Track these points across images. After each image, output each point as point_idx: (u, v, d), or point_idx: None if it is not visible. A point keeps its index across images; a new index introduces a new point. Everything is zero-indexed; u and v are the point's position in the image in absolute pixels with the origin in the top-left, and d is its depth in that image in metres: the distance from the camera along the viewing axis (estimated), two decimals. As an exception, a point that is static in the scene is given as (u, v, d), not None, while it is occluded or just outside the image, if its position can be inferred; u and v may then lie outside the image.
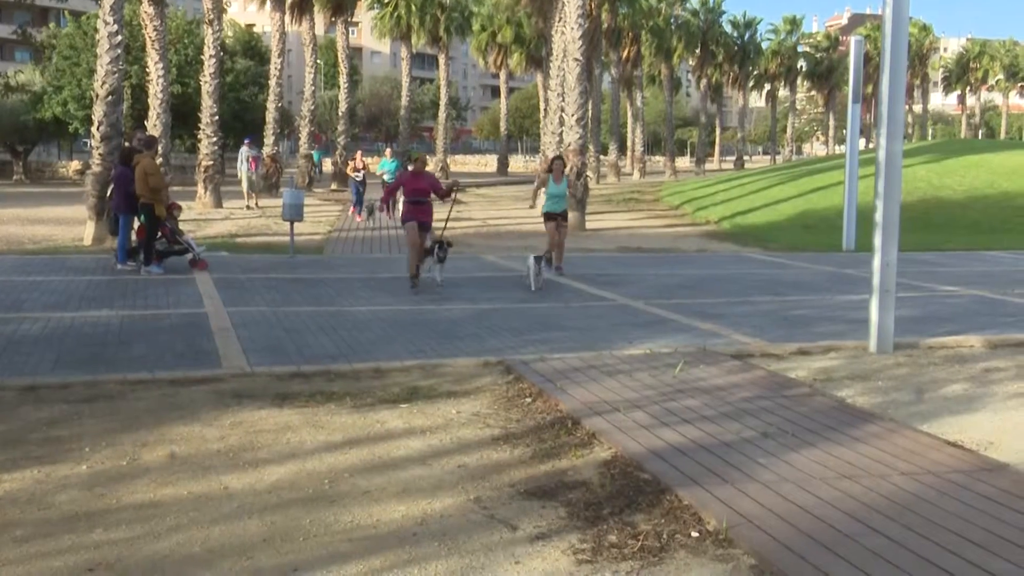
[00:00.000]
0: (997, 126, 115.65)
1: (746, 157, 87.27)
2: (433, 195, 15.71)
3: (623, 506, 5.92)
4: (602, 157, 64.18)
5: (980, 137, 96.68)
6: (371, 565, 5.07)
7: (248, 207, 32.54)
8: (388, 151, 35.42)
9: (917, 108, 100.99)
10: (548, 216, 17.38)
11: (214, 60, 32.54)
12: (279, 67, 40.97)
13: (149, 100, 29.11)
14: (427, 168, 16.39)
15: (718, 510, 5.77)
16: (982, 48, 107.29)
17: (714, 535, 5.47)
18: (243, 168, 33.85)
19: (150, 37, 28.94)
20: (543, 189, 17.79)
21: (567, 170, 27.68)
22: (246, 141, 35.15)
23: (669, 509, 5.87)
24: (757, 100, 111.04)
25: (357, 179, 30.08)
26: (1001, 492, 6.17)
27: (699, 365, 9.76)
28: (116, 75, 21.67)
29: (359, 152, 32.94)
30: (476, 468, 6.68)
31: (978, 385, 9.22)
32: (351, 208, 30.20)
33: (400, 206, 16.81)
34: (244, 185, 33.85)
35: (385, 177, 29.55)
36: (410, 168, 16.17)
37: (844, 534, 5.43)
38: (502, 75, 71.70)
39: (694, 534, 5.49)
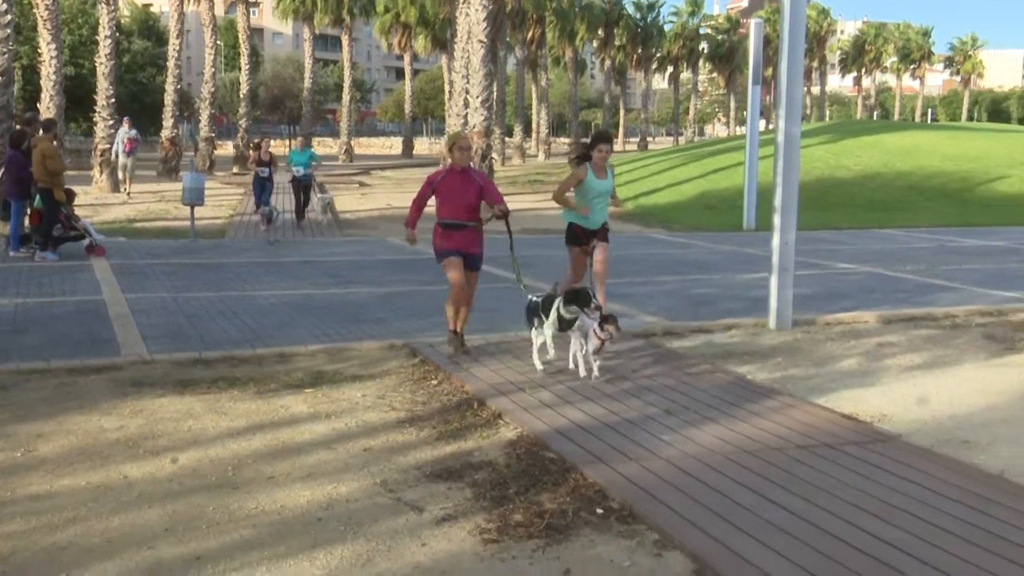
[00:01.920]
0: (891, 107, 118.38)
1: (650, 138, 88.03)
2: (487, 211, 9.68)
3: (529, 485, 5.96)
4: (507, 139, 64.24)
5: (875, 118, 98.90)
6: (276, 551, 5.03)
7: (128, 194, 29.40)
8: (300, 140, 27.14)
9: (815, 90, 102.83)
10: (581, 234, 10.64)
11: (109, 40, 31.71)
12: (178, 48, 40.09)
13: (42, 82, 28.27)
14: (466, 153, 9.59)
15: (622, 487, 5.85)
16: (877, 31, 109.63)
17: (618, 512, 5.54)
18: (118, 149, 30.36)
19: (42, 16, 28.02)
20: (572, 189, 10.73)
21: (473, 151, 27.74)
22: (124, 120, 31.55)
23: (574, 487, 5.92)
24: (660, 82, 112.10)
25: (262, 175, 22.31)
26: (894, 462, 6.35)
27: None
28: (6, 55, 21.09)
29: (265, 139, 24.08)
30: (382, 451, 6.66)
31: (872, 359, 9.47)
32: (259, 216, 21.75)
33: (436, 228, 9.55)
34: (119, 170, 30.55)
35: (296, 173, 22.40)
36: (449, 160, 9.57)
37: (744, 507, 5.54)
38: (407, 57, 71.18)
39: (599, 511, 5.55)
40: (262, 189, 22.23)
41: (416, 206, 9.50)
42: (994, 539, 5.13)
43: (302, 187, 22.65)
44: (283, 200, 25.47)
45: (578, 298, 8.43)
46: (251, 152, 26.39)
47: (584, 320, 8.49)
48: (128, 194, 29.29)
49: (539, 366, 8.73)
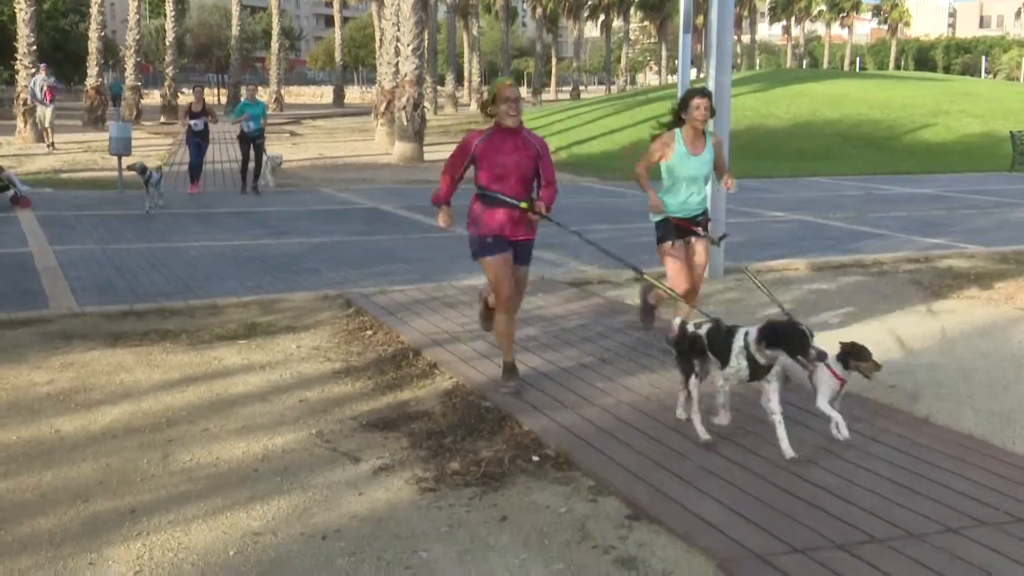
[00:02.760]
0: (820, 56, 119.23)
1: (582, 87, 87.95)
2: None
3: (465, 434, 5.99)
4: (439, 88, 63.74)
5: (804, 67, 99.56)
6: (212, 504, 5.01)
7: (50, 145, 27.96)
8: (250, 89, 20.66)
9: (745, 39, 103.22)
10: (675, 229, 8.05)
11: (29, -15, 30.84)
12: (101, -6, 39.08)
13: (-41, 29, 27.47)
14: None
15: (557, 434, 5.90)
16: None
17: (554, 459, 5.59)
18: (38, 98, 28.74)
19: (-43, -40, 27.22)
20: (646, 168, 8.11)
21: (403, 101, 27.44)
22: (40, 66, 30.05)
23: (510, 436, 5.97)
24: (592, 30, 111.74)
25: (196, 128, 19.36)
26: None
27: (538, 294, 9.88)
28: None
29: (200, 88, 20.83)
30: (317, 402, 6.65)
31: (802, 307, 9.61)
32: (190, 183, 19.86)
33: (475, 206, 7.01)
34: (41, 118, 28.81)
35: (247, 128, 19.02)
36: (494, 116, 7.00)
37: (677, 452, 5.62)
38: (336, 4, 70.13)
39: (535, 459, 5.60)
40: (198, 147, 19.53)
41: (448, 177, 6.93)
42: (922, 480, 5.26)
43: (253, 145, 19.30)
44: (219, 153, 25.03)
45: (791, 339, 5.55)
46: (181, 103, 21.41)
47: (791, 365, 5.83)
48: (51, 145, 28.05)
49: (703, 435, 5.79)
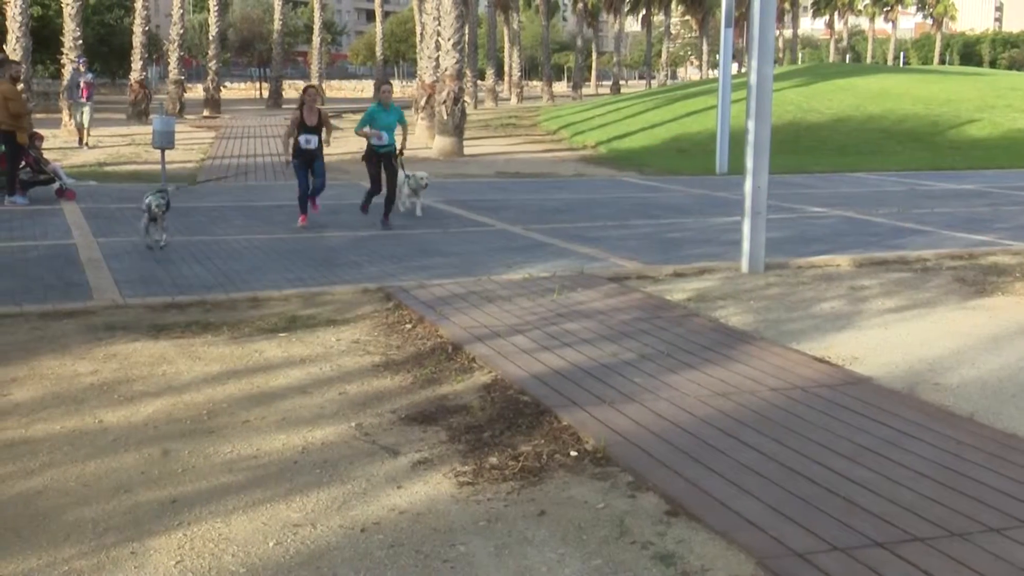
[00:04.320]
0: (863, 51, 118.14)
1: (622, 82, 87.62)
2: None
3: (503, 429, 6.00)
4: (479, 82, 63.70)
5: (847, 61, 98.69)
6: (252, 496, 5.05)
7: (87, 144, 26.47)
8: (386, 90, 14.93)
9: (787, 33, 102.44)
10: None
11: (75, -20, 31.19)
12: (145, -12, 39.43)
13: (7, 23, 27.79)
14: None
15: (596, 430, 5.89)
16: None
17: (592, 454, 5.58)
18: (73, 95, 27.56)
19: (5, -45, 27.57)
20: None
21: (444, 96, 27.45)
22: (79, 61, 28.94)
23: (549, 430, 5.96)
24: (633, 24, 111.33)
25: (307, 147, 13.74)
26: (865, 404, 6.42)
27: (577, 289, 9.88)
28: (-31, -3, 20.65)
29: (314, 89, 14.67)
30: (357, 395, 6.68)
31: (845, 303, 9.54)
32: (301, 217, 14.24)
33: None
34: (75, 117, 27.51)
35: (378, 142, 13.98)
36: None
37: (717, 449, 5.60)
38: (377, -2, 70.33)
39: (573, 454, 5.60)
40: (307, 172, 13.93)
41: None
42: (962, 479, 5.21)
43: (385, 166, 14.16)
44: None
45: None
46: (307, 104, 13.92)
47: None
48: (87, 144, 26.57)
49: None
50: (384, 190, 14.27)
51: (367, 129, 14.05)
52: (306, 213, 14.15)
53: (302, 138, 13.68)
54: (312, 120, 13.73)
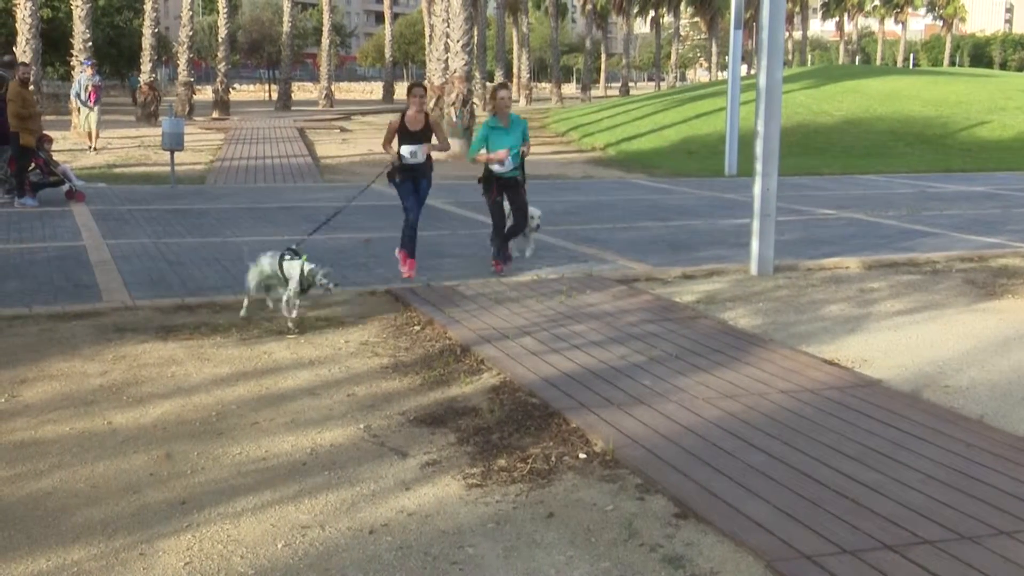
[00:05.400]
0: (873, 52, 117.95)
1: (631, 84, 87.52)
2: None
3: (512, 431, 6.00)
4: (488, 84, 63.78)
5: (857, 63, 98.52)
6: (261, 497, 5.05)
7: (94, 149, 25.66)
8: (504, 97, 11.28)
9: (797, 35, 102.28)
10: None
11: (85, -18, 31.27)
12: (154, -9, 39.47)
13: (17, 25, 27.86)
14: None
15: (605, 432, 5.89)
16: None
17: (601, 456, 5.58)
18: (80, 99, 26.46)
19: (15, -42, 27.58)
20: None
21: (453, 97, 27.45)
22: (86, 64, 27.72)
23: (557, 433, 5.96)
24: (642, 26, 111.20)
25: (411, 160, 10.72)
26: (874, 407, 6.41)
27: (586, 291, 9.87)
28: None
29: (422, 89, 11.05)
30: (365, 397, 6.68)
31: (854, 305, 9.52)
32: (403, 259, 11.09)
33: None
34: (84, 121, 26.46)
35: (500, 168, 11.00)
36: None
37: (725, 451, 5.59)
38: (386, 0, 70.43)
39: (582, 456, 5.60)
40: (415, 191, 10.92)
41: None
42: (972, 482, 5.19)
43: (508, 193, 11.19)
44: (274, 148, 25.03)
45: None
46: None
47: None
48: (94, 149, 25.80)
49: None
50: (510, 222, 11.24)
51: (485, 152, 11.01)
52: (413, 257, 10.83)
53: (405, 150, 10.62)
54: (417, 125, 10.67)
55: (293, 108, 53.10)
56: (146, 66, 39.46)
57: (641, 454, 5.56)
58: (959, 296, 10.00)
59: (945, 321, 8.93)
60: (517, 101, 67.32)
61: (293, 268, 8.51)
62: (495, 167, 10.99)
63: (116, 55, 50.02)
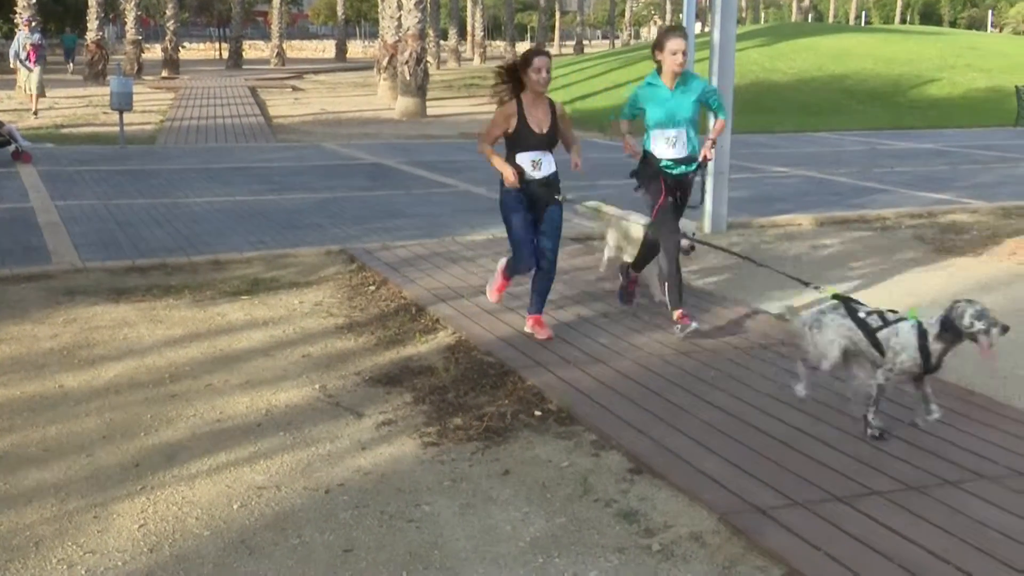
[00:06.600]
0: (826, 10, 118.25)
1: (586, 42, 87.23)
2: None
3: (468, 390, 6.01)
4: (442, 42, 63.29)
5: (810, 21, 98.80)
6: (216, 458, 5.04)
7: (34, 113, 24.00)
8: (668, 57, 7.36)
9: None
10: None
11: (28, -63, 30.51)
12: (100, -53, 38.69)
13: (-42, -18, 27.05)
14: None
15: (560, 390, 5.92)
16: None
17: (556, 414, 5.61)
18: (19, 57, 25.25)
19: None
20: None
21: (406, 56, 27.24)
22: (26, 21, 26.24)
23: (513, 391, 5.98)
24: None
25: (539, 175, 7.04)
26: (826, 362, 6.47)
27: (541, 249, 9.86)
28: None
29: (547, 58, 7.31)
30: (321, 358, 6.67)
31: (806, 262, 9.61)
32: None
33: None
34: (26, 81, 25.31)
35: (673, 171, 7.32)
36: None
37: (680, 407, 5.64)
38: (338, -44, 69.52)
39: (537, 414, 5.62)
40: (534, 220, 7.21)
41: None
42: (920, 434, 5.28)
43: (677, 196, 7.50)
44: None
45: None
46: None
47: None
48: (35, 113, 24.13)
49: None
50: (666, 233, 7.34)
51: (626, 124, 7.71)
52: (510, 277, 7.46)
53: (525, 158, 7.03)
54: (543, 124, 7.10)
55: (244, 67, 52.41)
56: (93, 23, 38.74)
57: (596, 411, 5.59)
58: (909, 252, 10.12)
59: (895, 277, 9.04)
60: (471, 60, 66.96)
61: (904, 336, 5.26)
62: (658, 153, 7.39)
63: (62, 12, 49.06)
